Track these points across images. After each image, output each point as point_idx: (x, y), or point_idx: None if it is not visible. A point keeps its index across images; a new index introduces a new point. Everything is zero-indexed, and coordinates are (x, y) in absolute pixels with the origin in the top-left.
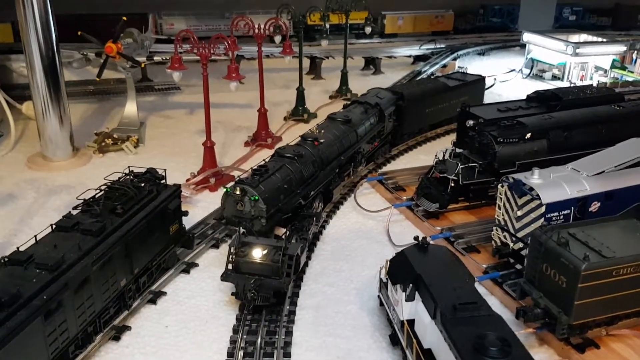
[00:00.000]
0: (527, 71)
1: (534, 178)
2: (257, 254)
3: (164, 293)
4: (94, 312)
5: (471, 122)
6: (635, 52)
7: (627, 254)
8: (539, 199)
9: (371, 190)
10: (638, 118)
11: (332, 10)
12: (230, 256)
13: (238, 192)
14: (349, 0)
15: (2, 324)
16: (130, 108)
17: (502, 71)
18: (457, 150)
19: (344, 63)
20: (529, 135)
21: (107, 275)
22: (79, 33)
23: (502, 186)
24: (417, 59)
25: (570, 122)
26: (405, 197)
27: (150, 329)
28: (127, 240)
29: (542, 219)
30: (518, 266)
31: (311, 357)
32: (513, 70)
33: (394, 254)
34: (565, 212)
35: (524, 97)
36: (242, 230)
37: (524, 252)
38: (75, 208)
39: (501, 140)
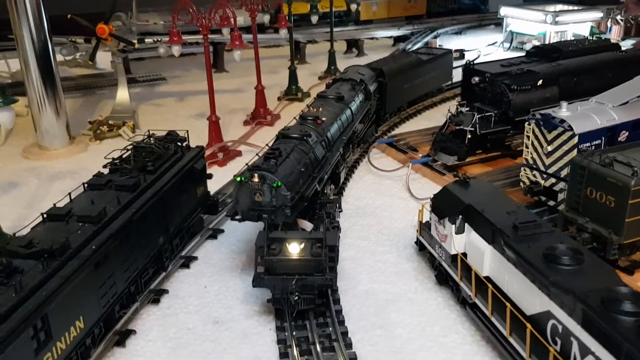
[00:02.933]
0: (507, 44)
1: (563, 111)
2: (294, 249)
3: (196, 258)
4: (137, 268)
5: (477, 79)
6: (610, 19)
7: None
8: (572, 129)
9: (381, 154)
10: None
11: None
12: (259, 257)
13: (257, 180)
14: None
15: (56, 272)
16: (122, 95)
17: (483, 46)
18: (463, 109)
19: (331, 43)
20: (540, 82)
21: (147, 230)
22: (69, 16)
23: (530, 124)
24: (398, 39)
25: (579, 68)
26: (420, 155)
27: (188, 290)
28: (161, 196)
29: (575, 150)
30: (551, 203)
31: (360, 302)
32: (495, 43)
33: (436, 192)
34: (597, 142)
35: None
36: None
37: (556, 188)
38: (104, 167)
39: (515, 88)
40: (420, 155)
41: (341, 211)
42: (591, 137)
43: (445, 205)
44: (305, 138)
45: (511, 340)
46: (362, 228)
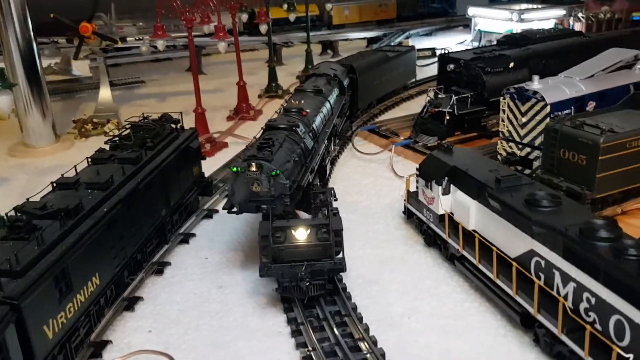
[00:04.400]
0: (476, 43)
1: (535, 84)
2: (301, 235)
3: (194, 234)
4: (143, 236)
5: (452, 66)
6: (572, 17)
7: (634, 128)
8: (544, 100)
9: (364, 141)
10: (601, 45)
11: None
12: (264, 247)
13: (254, 169)
14: None
15: (73, 230)
16: (104, 94)
17: (452, 44)
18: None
19: (307, 43)
20: (512, 65)
21: (150, 201)
22: (52, 15)
23: (505, 98)
24: (371, 40)
25: (546, 51)
26: (402, 138)
27: (190, 262)
28: (162, 170)
29: (547, 120)
30: (527, 171)
31: (357, 264)
32: (464, 41)
33: (423, 159)
34: (566, 111)
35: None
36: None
37: (531, 156)
38: (106, 143)
39: (489, 71)
40: (402, 138)
41: (336, 199)
42: (561, 106)
43: (431, 170)
44: (294, 128)
45: (498, 282)
46: (350, 204)
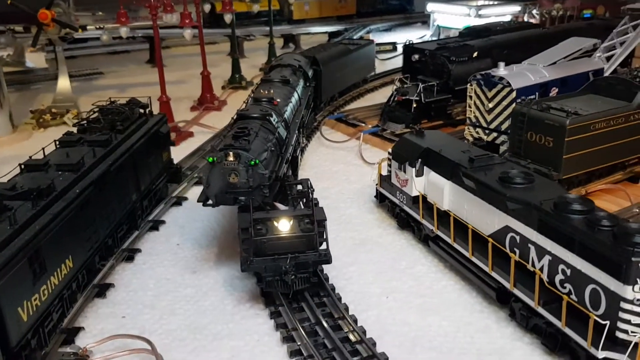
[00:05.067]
0: (435, 38)
1: (501, 71)
2: (284, 226)
3: (163, 221)
4: (114, 220)
5: (416, 56)
6: (527, 13)
7: (597, 111)
8: (510, 85)
9: (331, 130)
10: (559, 36)
11: None
12: (245, 240)
13: (232, 159)
14: None
15: (45, 211)
16: (63, 83)
17: (412, 39)
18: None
19: (270, 36)
20: (475, 54)
21: (121, 185)
22: (9, 2)
23: (472, 84)
24: (332, 35)
25: (508, 42)
26: (370, 126)
27: (161, 248)
28: (132, 154)
29: (513, 105)
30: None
31: (332, 247)
32: (423, 36)
33: (396, 142)
34: (531, 97)
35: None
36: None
37: (498, 141)
38: (74, 125)
39: (454, 60)
40: (370, 126)
41: (313, 190)
42: (527, 92)
43: (404, 152)
44: (267, 118)
45: (473, 259)
46: (322, 190)
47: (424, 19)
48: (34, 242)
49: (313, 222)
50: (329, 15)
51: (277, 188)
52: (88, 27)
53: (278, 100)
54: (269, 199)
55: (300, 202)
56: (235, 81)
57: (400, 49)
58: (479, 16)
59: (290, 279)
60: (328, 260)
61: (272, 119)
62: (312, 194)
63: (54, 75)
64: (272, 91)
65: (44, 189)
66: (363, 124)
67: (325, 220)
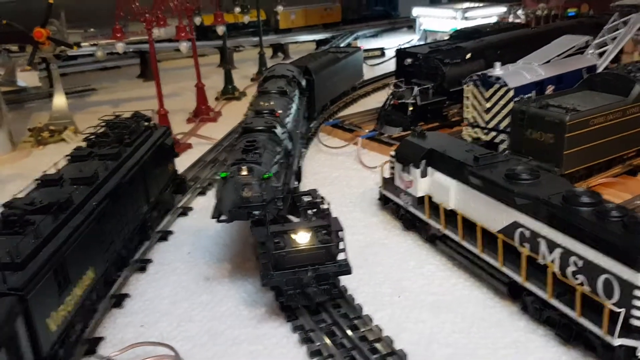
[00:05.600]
0: (422, 42)
1: (497, 71)
2: (303, 238)
3: (171, 232)
4: (128, 231)
5: (409, 60)
6: (512, 14)
7: (595, 107)
8: (507, 85)
9: (328, 136)
10: (549, 35)
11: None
12: (263, 254)
13: (245, 173)
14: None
15: (66, 223)
16: (59, 100)
17: (399, 44)
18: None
19: (260, 46)
20: (468, 55)
21: (133, 197)
22: (4, 22)
23: (468, 85)
24: (320, 43)
25: (500, 42)
26: (367, 131)
27: (172, 257)
28: (141, 166)
29: (511, 104)
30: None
31: None
32: (410, 41)
33: (399, 144)
34: (528, 95)
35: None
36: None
37: (497, 140)
38: (84, 140)
39: (447, 62)
40: (367, 131)
41: (322, 199)
42: (523, 90)
43: (408, 154)
44: (272, 130)
45: (483, 256)
46: (325, 194)
47: (409, 24)
48: (58, 254)
49: (330, 233)
50: (315, 24)
51: (289, 200)
52: (82, 44)
53: (280, 111)
54: (284, 212)
55: (310, 214)
56: (229, 92)
57: (388, 54)
58: (465, 19)
59: (312, 291)
60: (348, 271)
61: (277, 131)
62: (324, 204)
63: (48, 94)
64: (272, 102)
65: (63, 203)
66: (359, 129)
67: (342, 230)
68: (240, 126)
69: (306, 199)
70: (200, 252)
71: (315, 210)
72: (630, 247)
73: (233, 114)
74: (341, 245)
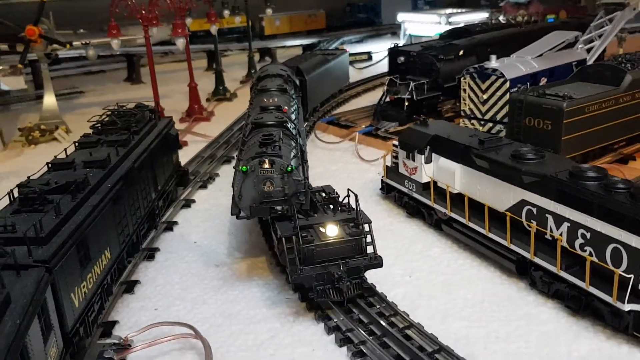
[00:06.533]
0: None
1: (493, 63)
2: (332, 231)
3: (176, 222)
4: (140, 216)
5: (402, 58)
6: (493, 20)
7: (590, 94)
8: (503, 76)
9: (323, 134)
10: (537, 33)
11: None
12: (287, 250)
13: (267, 166)
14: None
15: (84, 203)
16: (49, 100)
17: (385, 48)
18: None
19: (249, 48)
20: (461, 52)
21: (143, 182)
22: None
23: (465, 78)
24: (307, 47)
25: (491, 40)
26: (364, 125)
27: (179, 246)
28: (149, 153)
29: (507, 95)
30: None
31: None
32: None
33: (403, 132)
34: (523, 87)
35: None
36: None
37: (494, 131)
38: (91, 127)
39: (441, 58)
40: (363, 126)
41: (338, 195)
42: (519, 82)
43: (412, 141)
44: (285, 125)
45: (491, 235)
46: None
47: (393, 30)
48: (79, 230)
49: (358, 226)
50: (299, 30)
51: (309, 195)
52: (74, 43)
53: (286, 108)
54: (306, 206)
55: (328, 208)
56: (219, 93)
57: (375, 57)
58: (449, 23)
59: (345, 285)
60: (380, 264)
61: (289, 126)
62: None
63: (35, 96)
64: (276, 99)
65: (80, 183)
66: (355, 125)
67: (371, 222)
68: (250, 121)
69: (321, 194)
70: (207, 241)
71: (335, 204)
72: (638, 216)
73: (226, 114)
74: (370, 238)
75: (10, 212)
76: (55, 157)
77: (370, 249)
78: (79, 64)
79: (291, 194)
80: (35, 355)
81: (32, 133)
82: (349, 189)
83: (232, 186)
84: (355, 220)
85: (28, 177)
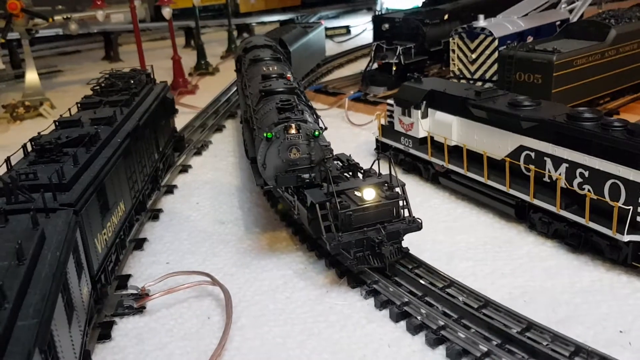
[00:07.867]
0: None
1: (481, 22)
2: (370, 194)
3: (175, 186)
4: (146, 174)
5: (387, 25)
6: None
7: (576, 48)
8: (492, 35)
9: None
10: None
11: None
12: (324, 216)
13: (294, 131)
14: None
15: (97, 155)
16: (31, 77)
17: (363, 23)
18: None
19: (229, 23)
20: (446, 16)
21: (148, 141)
22: None
23: (454, 38)
24: (283, 23)
25: (474, 4)
26: (352, 91)
27: (182, 207)
28: (151, 113)
29: (496, 53)
30: None
31: None
32: (380, 12)
33: (398, 89)
34: (511, 44)
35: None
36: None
37: None
38: (92, 89)
39: (427, 22)
40: (352, 92)
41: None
42: (507, 40)
43: (408, 97)
44: (296, 91)
45: (490, 182)
46: None
47: (368, 6)
48: (98, 179)
49: (393, 188)
50: (275, 7)
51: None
52: (56, 18)
53: (289, 75)
54: (333, 173)
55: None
56: (202, 67)
57: (353, 32)
58: None
59: (388, 250)
60: (418, 227)
61: (298, 92)
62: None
63: (12, 76)
64: (275, 67)
65: (93, 136)
66: (343, 93)
67: (404, 185)
68: (256, 90)
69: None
70: (209, 201)
71: (355, 170)
72: (635, 150)
73: (210, 87)
74: (407, 200)
75: (27, 163)
76: (61, 115)
77: (405, 213)
78: (53, 45)
79: (318, 161)
80: (73, 288)
81: (16, 109)
82: (379, 152)
83: (247, 156)
84: (389, 184)
85: (39, 133)
